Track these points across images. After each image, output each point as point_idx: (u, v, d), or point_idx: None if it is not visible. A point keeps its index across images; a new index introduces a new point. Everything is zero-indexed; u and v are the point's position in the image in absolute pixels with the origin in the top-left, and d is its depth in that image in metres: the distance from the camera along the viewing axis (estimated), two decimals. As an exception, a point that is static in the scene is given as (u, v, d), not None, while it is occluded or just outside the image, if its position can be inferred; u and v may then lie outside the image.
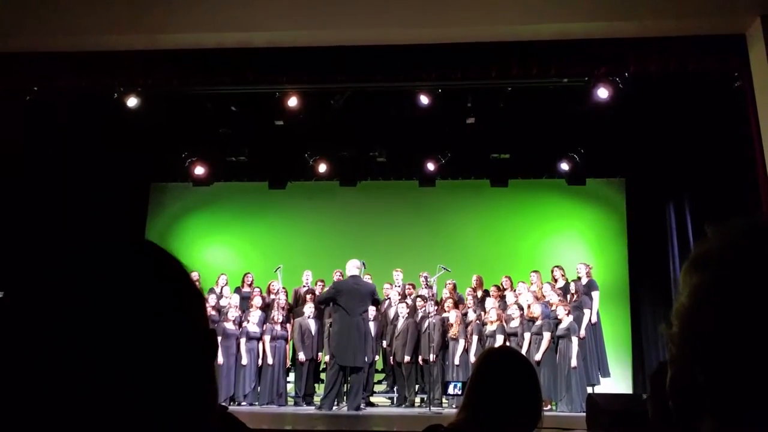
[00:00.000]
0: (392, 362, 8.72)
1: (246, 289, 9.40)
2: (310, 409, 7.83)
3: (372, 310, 8.62)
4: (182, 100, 8.64)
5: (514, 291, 8.80)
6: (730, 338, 0.57)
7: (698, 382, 0.59)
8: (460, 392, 6.30)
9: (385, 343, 8.88)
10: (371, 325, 8.61)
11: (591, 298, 8.37)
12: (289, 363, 8.79)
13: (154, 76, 6.83)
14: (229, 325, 8.44)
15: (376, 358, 8.88)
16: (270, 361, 8.43)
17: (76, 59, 6.56)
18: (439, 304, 8.85)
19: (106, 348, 0.54)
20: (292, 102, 8.04)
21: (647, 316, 9.48)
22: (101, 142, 9.23)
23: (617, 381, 8.89)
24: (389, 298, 9.10)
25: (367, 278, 8.94)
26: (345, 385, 7.74)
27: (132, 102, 7.64)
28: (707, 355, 0.59)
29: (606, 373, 8.33)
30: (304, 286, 9.25)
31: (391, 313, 8.86)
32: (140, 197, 10.91)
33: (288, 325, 8.81)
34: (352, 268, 7.80)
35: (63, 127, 8.45)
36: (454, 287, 9.15)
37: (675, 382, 0.63)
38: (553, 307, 8.16)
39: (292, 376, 8.82)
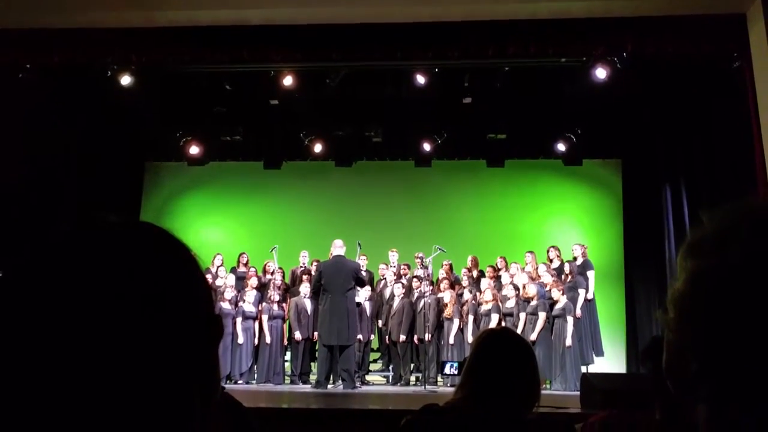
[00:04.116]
0: (388, 341, 8.79)
1: (241, 269, 9.42)
2: (306, 388, 7.90)
3: (367, 290, 8.65)
4: (176, 79, 8.56)
5: (509, 271, 8.83)
6: (724, 325, 0.57)
7: (693, 369, 0.59)
8: (456, 372, 6.34)
9: (380, 323, 8.94)
10: (367, 304, 8.66)
11: (586, 278, 8.41)
12: (285, 342, 8.86)
13: (148, 53, 6.76)
14: (225, 305, 8.49)
15: (372, 337, 8.95)
16: (267, 340, 8.49)
17: (69, 36, 6.48)
18: (434, 284, 8.89)
19: (107, 332, 0.53)
20: (288, 81, 7.97)
21: (641, 297, 9.55)
22: (95, 121, 9.16)
23: (611, 360, 8.98)
24: (385, 278, 9.14)
25: (362, 259, 8.96)
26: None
27: (126, 80, 7.56)
28: (702, 342, 0.58)
29: (600, 353, 8.41)
30: (300, 266, 9.28)
31: (387, 293, 8.91)
32: (135, 176, 10.86)
33: (285, 305, 8.86)
34: (337, 247, 7.80)
35: (56, 105, 8.37)
36: (450, 267, 9.19)
37: (671, 368, 0.63)
38: (547, 288, 8.21)
39: (288, 355, 8.88)
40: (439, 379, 8.32)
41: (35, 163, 8.25)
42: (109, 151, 9.74)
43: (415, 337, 8.47)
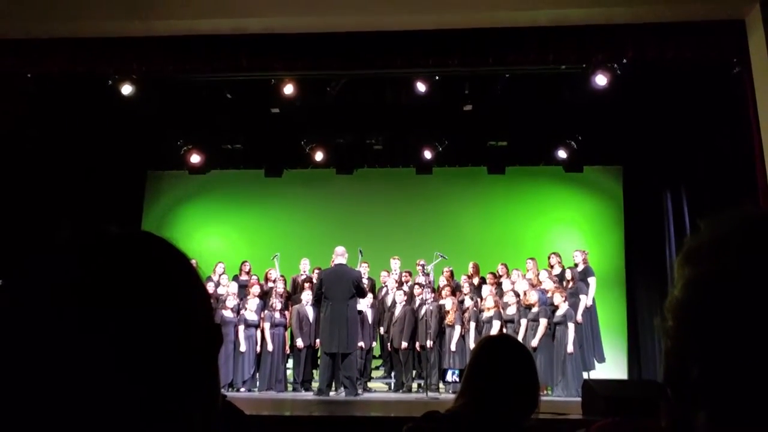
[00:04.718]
0: (389, 348, 8.78)
1: (244, 277, 9.42)
2: (308, 395, 7.88)
3: (368, 298, 8.65)
4: (177, 88, 8.59)
5: (510, 278, 8.83)
6: (722, 332, 0.57)
7: (692, 376, 0.59)
8: (458, 379, 6.33)
9: (382, 330, 8.93)
10: (368, 312, 8.65)
11: (587, 285, 8.40)
12: (288, 349, 8.85)
13: (148, 63, 6.77)
14: (227, 313, 8.49)
15: (374, 344, 8.94)
16: (269, 347, 8.49)
17: (70, 46, 6.50)
18: (436, 291, 8.88)
19: (107, 342, 0.53)
20: (288, 89, 7.99)
21: (643, 303, 9.53)
22: (96, 130, 9.18)
23: (612, 366, 8.95)
24: (386, 286, 9.14)
25: (364, 266, 8.96)
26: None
27: (127, 89, 7.57)
28: (700, 349, 0.58)
29: (601, 359, 8.39)
30: (302, 274, 9.28)
31: (389, 300, 8.90)
32: (136, 185, 10.88)
33: (286, 312, 8.85)
34: (338, 255, 7.79)
35: (58, 115, 8.39)
36: (451, 274, 9.18)
37: (670, 376, 0.63)
38: (549, 294, 8.20)
39: (290, 363, 8.87)
40: (440, 386, 8.31)
41: (35, 172, 8.26)
42: (110, 160, 9.76)
43: (417, 344, 8.45)
